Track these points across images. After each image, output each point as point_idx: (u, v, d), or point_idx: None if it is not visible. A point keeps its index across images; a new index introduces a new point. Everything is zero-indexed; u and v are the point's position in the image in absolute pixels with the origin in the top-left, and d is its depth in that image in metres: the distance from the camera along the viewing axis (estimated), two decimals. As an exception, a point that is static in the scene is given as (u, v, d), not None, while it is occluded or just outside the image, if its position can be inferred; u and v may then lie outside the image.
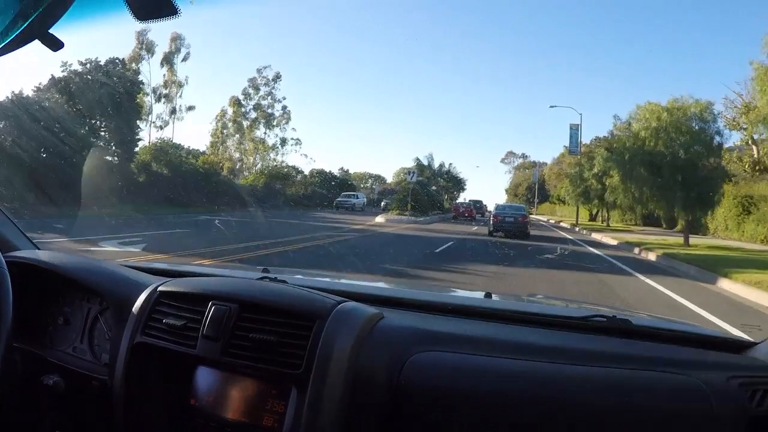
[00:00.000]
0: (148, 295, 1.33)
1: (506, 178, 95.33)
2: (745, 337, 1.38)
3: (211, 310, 1.21)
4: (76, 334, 1.47)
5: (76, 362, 1.40)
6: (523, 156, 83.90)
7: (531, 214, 33.56)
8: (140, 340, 1.27)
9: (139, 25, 0.99)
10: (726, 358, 1.24)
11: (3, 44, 0.88)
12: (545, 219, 43.49)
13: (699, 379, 1.08)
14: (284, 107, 42.01)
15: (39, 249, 1.72)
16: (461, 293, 2.31)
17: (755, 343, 1.30)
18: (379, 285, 2.21)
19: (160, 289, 1.33)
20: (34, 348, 1.45)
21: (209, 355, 1.19)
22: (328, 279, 2.06)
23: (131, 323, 1.30)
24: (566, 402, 1.05)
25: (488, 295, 1.72)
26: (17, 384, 1.35)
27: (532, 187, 63.99)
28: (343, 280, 2.56)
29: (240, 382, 1.20)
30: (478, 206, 38.93)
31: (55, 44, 0.93)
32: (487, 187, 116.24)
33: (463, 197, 54.04)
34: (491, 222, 19.69)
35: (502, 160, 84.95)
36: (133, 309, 1.32)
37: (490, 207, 28.51)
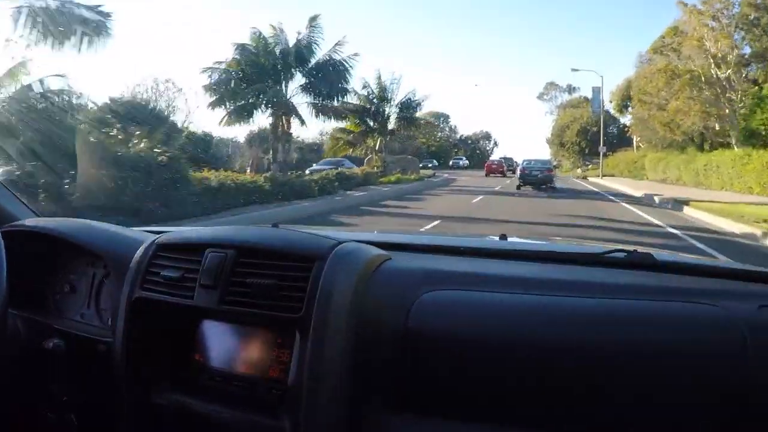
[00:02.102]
0: (145, 249, 1.28)
1: (546, 122, 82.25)
2: None
3: (207, 257, 1.16)
4: (83, 301, 1.46)
5: (83, 328, 1.38)
6: (571, 89, 67.35)
7: (587, 175, 36.85)
8: (138, 295, 1.23)
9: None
10: (756, 288, 1.14)
11: None
12: (639, 193, 19.79)
13: (728, 309, 1.00)
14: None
15: (39, 216, 1.68)
16: (475, 237, 2.28)
17: None
18: (389, 234, 2.13)
19: (157, 241, 1.28)
20: (39, 316, 1.42)
21: (207, 305, 1.14)
22: (338, 231, 1.95)
23: (129, 279, 1.26)
24: (588, 334, 0.99)
25: (503, 237, 1.65)
26: (22, 353, 1.33)
27: (588, 128, 48.21)
28: (354, 230, 2.54)
29: (244, 333, 1.18)
30: (509, 163, 40.71)
31: None
32: (521, 135, 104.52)
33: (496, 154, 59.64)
34: (519, 175, 22.01)
35: (541, 96, 69.02)
36: (131, 264, 1.27)
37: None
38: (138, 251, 1.29)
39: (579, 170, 48.24)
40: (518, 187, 21.06)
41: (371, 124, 28.66)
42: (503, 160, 41.64)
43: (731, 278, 1.18)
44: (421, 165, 38.79)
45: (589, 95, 60.50)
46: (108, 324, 1.37)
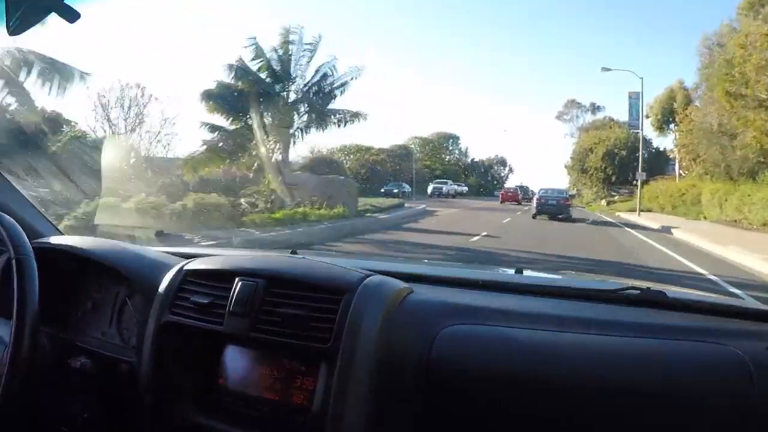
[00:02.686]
0: (175, 274, 1.33)
1: (565, 145, 74.15)
2: None
3: (237, 285, 1.21)
4: (105, 319, 1.47)
5: (105, 346, 1.40)
6: (594, 108, 58.61)
7: (616, 209, 30.03)
8: (167, 320, 1.27)
9: None
10: (765, 328, 1.17)
11: (17, 18, 0.88)
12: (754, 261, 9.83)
13: (738, 349, 1.03)
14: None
15: (63, 234, 1.74)
16: (492, 270, 2.32)
17: None
18: (407, 264, 2.26)
19: (186, 267, 1.33)
20: (62, 333, 1.44)
21: (237, 331, 1.18)
22: (357, 260, 1.88)
23: (158, 303, 1.30)
24: (603, 372, 1.03)
25: (519, 271, 1.71)
26: (46, 369, 1.34)
27: (616, 151, 39.32)
28: (373, 259, 2.54)
29: (268, 359, 1.21)
30: (524, 192, 40.49)
31: (72, 15, 0.93)
32: (538, 161, 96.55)
33: (512, 182, 55.90)
34: (535, 204, 21.78)
35: (560, 116, 60.33)
36: (160, 288, 1.32)
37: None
38: (167, 276, 1.33)
39: (603, 202, 40.10)
40: (534, 216, 20.84)
41: (259, 116, 15.61)
42: (518, 189, 41.53)
43: (741, 318, 1.20)
44: (383, 190, 29.86)
45: (617, 115, 52.12)
46: (129, 343, 1.38)
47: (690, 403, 0.98)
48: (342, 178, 17.46)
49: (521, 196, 39.13)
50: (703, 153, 25.35)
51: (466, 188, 50.64)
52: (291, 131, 15.86)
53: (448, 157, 77.41)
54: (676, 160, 32.27)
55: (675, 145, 32.67)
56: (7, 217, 1.28)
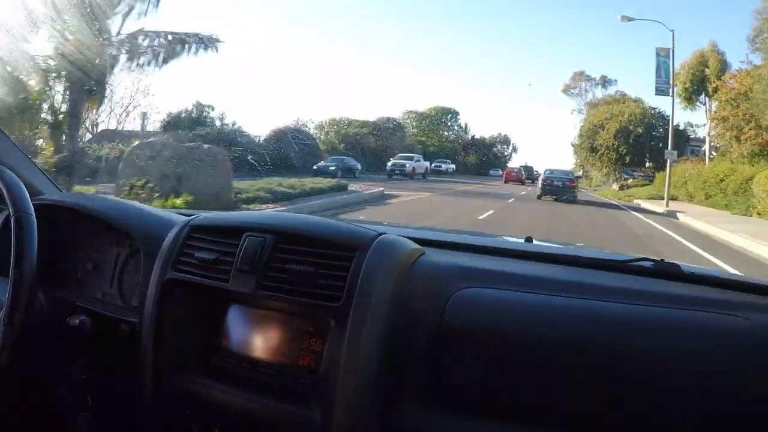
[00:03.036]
0: (180, 229, 1.27)
1: (572, 122, 69.38)
2: None
3: (245, 241, 1.15)
4: (106, 280, 1.45)
5: (105, 307, 1.37)
6: (605, 81, 52.45)
7: (634, 196, 25.70)
8: (171, 276, 1.21)
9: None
10: None
11: None
12: None
13: (752, 320, 1.02)
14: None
15: (63, 191, 1.73)
16: (501, 238, 2.22)
17: None
18: (419, 230, 2.04)
19: (192, 222, 1.27)
20: (61, 293, 1.42)
21: (243, 289, 1.13)
22: (372, 224, 1.78)
23: (161, 259, 1.24)
24: (617, 339, 1.02)
25: (529, 240, 1.70)
26: (44, 329, 1.31)
27: (631, 128, 33.84)
28: (387, 225, 2.18)
29: (274, 320, 1.16)
30: (528, 171, 39.42)
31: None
32: (544, 141, 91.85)
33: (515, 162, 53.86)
34: (540, 185, 20.83)
35: (567, 89, 54.41)
36: (164, 244, 1.26)
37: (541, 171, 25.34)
38: (172, 231, 1.28)
39: (615, 185, 35.44)
40: (539, 197, 20.18)
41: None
42: (522, 169, 39.74)
43: (756, 293, 1.19)
44: (315, 167, 22.16)
45: (630, 91, 46.50)
46: (130, 304, 1.37)
47: (702, 371, 0.97)
48: (206, 147, 10.56)
49: (525, 176, 37.39)
50: (749, 130, 19.87)
51: (453, 166, 43.36)
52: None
53: (446, 133, 72.51)
54: (706, 140, 26.80)
55: (711, 118, 27.06)
56: (9, 172, 1.25)
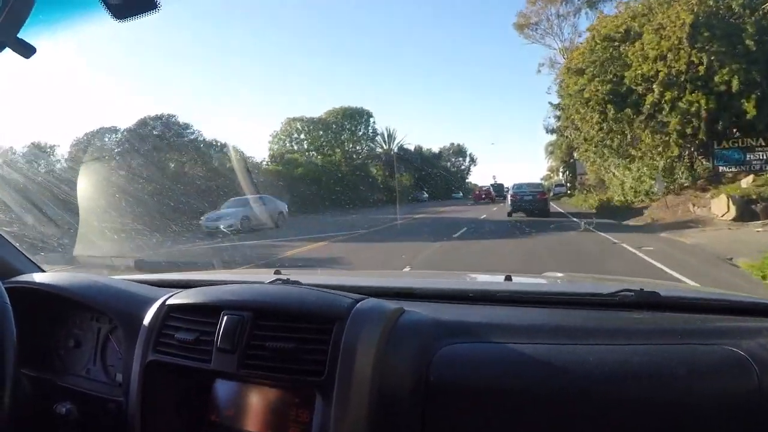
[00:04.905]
0: (157, 310, 1.27)
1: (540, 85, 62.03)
2: None
3: (223, 320, 1.15)
4: (89, 356, 1.44)
5: (90, 385, 1.37)
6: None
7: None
8: (153, 359, 1.21)
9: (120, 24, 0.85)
10: (765, 324, 1.14)
11: None
12: None
13: (740, 349, 1.01)
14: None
15: (43, 271, 1.67)
16: (481, 278, 2.26)
17: None
18: (396, 278, 2.19)
19: (168, 302, 1.27)
20: (45, 374, 1.42)
21: (226, 369, 1.14)
22: (343, 276, 2.01)
23: (141, 341, 1.24)
24: (603, 385, 1.00)
25: (508, 278, 1.67)
26: (29, 414, 1.32)
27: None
28: (358, 275, 2.51)
29: (261, 393, 1.15)
30: (498, 189, 38.15)
31: (27, 50, 0.91)
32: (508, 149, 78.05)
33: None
34: (509, 201, 19.42)
35: (524, 25, 33.27)
36: (143, 325, 1.26)
37: None
38: (149, 312, 1.27)
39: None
40: (509, 214, 18.62)
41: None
42: (490, 187, 38.71)
43: (738, 314, 1.19)
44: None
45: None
46: (115, 380, 1.35)
47: (695, 409, 0.96)
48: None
49: (495, 194, 35.47)
50: None
51: (285, 207, 19.49)
52: None
53: (352, 145, 51.19)
54: None
55: None
56: None
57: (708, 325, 1.13)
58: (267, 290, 1.29)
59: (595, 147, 17.64)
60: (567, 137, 26.00)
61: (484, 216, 19.75)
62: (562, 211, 20.44)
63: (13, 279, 1.49)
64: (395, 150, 53.78)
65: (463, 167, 65.58)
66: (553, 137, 38.81)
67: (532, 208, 18.35)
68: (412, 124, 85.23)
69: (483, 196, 35.59)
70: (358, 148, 51.07)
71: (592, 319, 1.21)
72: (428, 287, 1.54)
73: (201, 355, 1.15)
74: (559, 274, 2.52)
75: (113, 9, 0.84)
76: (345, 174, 42.22)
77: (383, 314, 1.13)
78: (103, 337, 1.42)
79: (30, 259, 1.66)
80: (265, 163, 39.29)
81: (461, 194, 52.64)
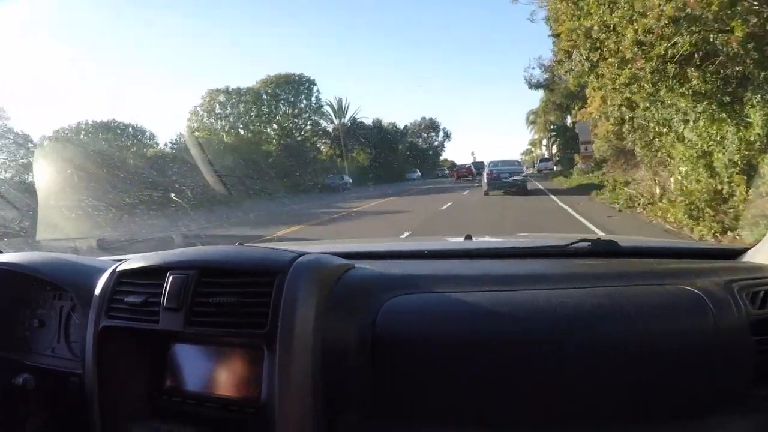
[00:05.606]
0: (108, 277, 1.28)
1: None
2: (737, 244, 1.36)
3: (169, 280, 1.16)
4: (53, 335, 1.44)
5: (55, 362, 1.37)
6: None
7: None
8: (105, 324, 1.22)
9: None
10: (720, 265, 1.18)
11: None
12: None
13: (695, 288, 1.03)
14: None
15: (2, 252, 1.69)
16: (439, 240, 2.26)
17: (747, 249, 1.29)
18: (353, 243, 2.14)
19: (119, 269, 1.28)
20: (11, 354, 1.42)
21: (172, 328, 1.13)
22: (300, 245, 1.91)
23: (94, 308, 1.26)
24: (557, 326, 1.00)
25: (468, 237, 1.68)
26: None
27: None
28: (317, 243, 2.46)
29: (213, 354, 1.16)
30: (479, 167, 36.13)
31: None
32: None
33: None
34: (485, 180, 18.84)
35: None
36: (95, 293, 1.28)
37: None
38: (101, 279, 1.29)
39: None
40: (486, 193, 17.90)
41: None
42: (471, 165, 38.90)
43: (695, 257, 1.23)
44: None
45: None
46: (78, 355, 1.33)
47: (652, 345, 0.96)
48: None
49: (476, 172, 33.85)
50: None
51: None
52: None
53: (292, 119, 42.74)
54: None
55: None
56: None
57: (663, 267, 1.16)
58: (213, 250, 1.27)
59: (651, 77, 8.06)
60: (564, 83, 17.87)
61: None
62: (572, 212, 10.62)
63: None
64: (347, 123, 44.79)
65: (436, 143, 59.68)
66: (538, 97, 30.43)
67: (510, 185, 17.56)
68: (378, 99, 76.03)
69: (464, 174, 36.48)
70: (299, 122, 41.94)
71: (547, 267, 1.22)
72: (383, 249, 1.62)
73: (149, 316, 1.15)
74: (523, 234, 2.47)
75: None
76: (277, 154, 33.19)
77: (327, 267, 1.13)
78: (65, 315, 1.41)
79: None
80: (168, 145, 30.94)
81: (446, 171, 48.91)
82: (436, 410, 1.03)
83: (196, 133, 33.22)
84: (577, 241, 1.28)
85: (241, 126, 38.67)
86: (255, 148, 32.16)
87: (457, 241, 1.71)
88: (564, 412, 0.98)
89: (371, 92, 74.52)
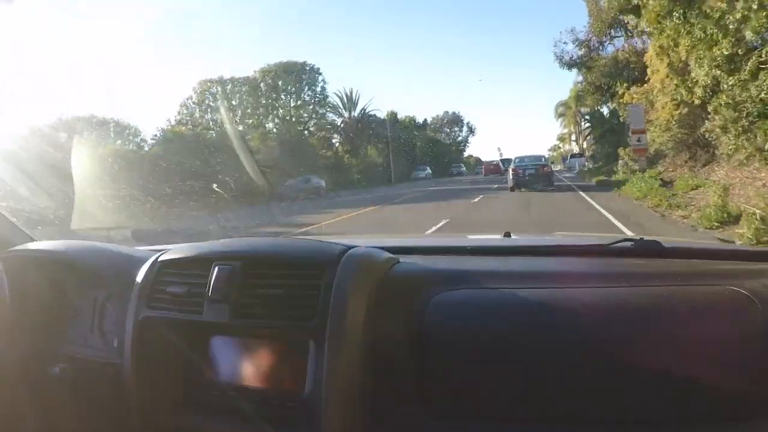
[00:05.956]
0: (150, 267, 1.26)
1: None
2: None
3: (214, 271, 1.14)
4: (87, 325, 1.40)
5: (89, 352, 1.34)
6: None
7: None
8: (146, 314, 1.21)
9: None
10: (762, 267, 1.15)
11: None
12: None
13: (744, 289, 1.01)
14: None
15: (36, 240, 1.65)
16: (480, 236, 2.26)
17: None
18: (400, 238, 2.13)
19: (160, 259, 1.26)
20: (44, 343, 1.41)
21: (218, 319, 1.12)
22: (345, 237, 1.81)
23: (134, 298, 1.24)
24: (605, 324, 0.99)
25: (507, 235, 1.65)
26: (29, 381, 1.33)
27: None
28: (361, 237, 2.26)
29: (255, 346, 1.15)
30: (506, 164, 34.66)
31: None
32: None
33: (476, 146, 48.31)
34: (511, 176, 18.12)
35: None
36: (135, 283, 1.26)
37: None
38: (142, 269, 1.27)
39: None
40: (512, 189, 17.33)
41: None
42: (499, 161, 40.85)
43: (737, 259, 1.19)
44: None
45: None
46: (114, 346, 1.30)
47: (700, 346, 0.95)
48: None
49: (503, 168, 33.91)
50: None
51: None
52: None
53: (295, 110, 39.13)
54: None
55: None
56: None
57: (710, 268, 1.12)
58: (259, 241, 1.29)
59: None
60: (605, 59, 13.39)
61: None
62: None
63: (10, 249, 1.48)
64: (356, 117, 40.84)
65: (459, 138, 57.13)
66: (568, 83, 25.83)
67: (536, 181, 17.08)
68: (402, 93, 71.98)
69: (493, 170, 37.82)
70: (303, 114, 38.18)
71: (592, 265, 1.20)
72: (426, 244, 1.59)
73: (193, 307, 1.14)
74: (562, 233, 2.35)
75: None
76: (272, 151, 29.50)
77: (376, 261, 1.13)
78: (100, 305, 1.38)
79: (25, 232, 1.65)
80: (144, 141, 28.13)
81: (463, 168, 48.39)
82: (484, 407, 1.01)
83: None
84: (620, 240, 1.27)
85: (237, 119, 35.08)
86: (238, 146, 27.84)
87: (497, 238, 1.67)
88: (611, 412, 0.97)
89: (392, 86, 70.57)
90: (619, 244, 1.24)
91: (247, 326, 1.10)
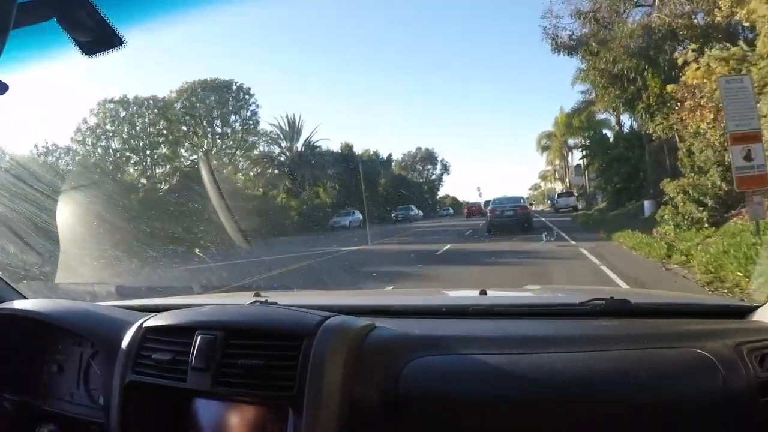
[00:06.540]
0: (135, 333, 1.30)
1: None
2: (746, 302, 1.36)
3: (197, 340, 1.18)
4: (72, 381, 1.45)
5: (74, 409, 1.39)
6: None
7: None
8: (131, 379, 1.24)
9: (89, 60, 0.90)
10: (729, 325, 1.20)
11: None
12: None
13: (705, 351, 1.05)
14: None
15: (26, 298, 1.69)
16: (455, 293, 2.35)
17: (757, 307, 1.29)
18: (370, 296, 2.23)
19: (145, 325, 1.30)
20: (29, 399, 1.46)
21: (200, 387, 1.16)
22: (321, 296, 2.04)
23: (120, 363, 1.27)
24: (573, 389, 1.02)
25: (483, 292, 1.68)
26: None
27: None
28: (335, 295, 2.51)
29: (237, 410, 1.17)
30: (488, 204, 32.33)
31: (1, 88, 0.93)
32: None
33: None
34: (489, 216, 18.41)
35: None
36: (121, 347, 1.29)
37: None
38: (127, 335, 1.29)
39: None
40: (489, 231, 17.22)
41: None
42: (482, 203, 37.89)
43: (703, 317, 1.23)
44: None
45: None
46: (98, 403, 1.35)
47: (664, 408, 0.97)
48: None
49: (485, 208, 31.61)
50: None
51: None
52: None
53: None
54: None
55: None
56: None
57: (674, 329, 1.15)
58: (239, 310, 1.31)
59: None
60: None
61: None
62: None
63: None
64: (298, 148, 33.51)
65: (433, 177, 52.80)
66: (550, 119, 20.74)
67: (514, 222, 16.78)
68: (370, 132, 65.70)
69: (476, 212, 37.17)
70: (230, 143, 30.70)
71: (562, 328, 1.24)
72: (402, 304, 1.59)
73: (177, 374, 1.16)
74: (536, 287, 2.46)
75: (83, 45, 0.86)
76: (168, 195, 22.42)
77: (351, 330, 1.15)
78: (85, 362, 1.41)
79: (13, 287, 1.66)
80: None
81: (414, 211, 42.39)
82: None
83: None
84: (592, 300, 1.29)
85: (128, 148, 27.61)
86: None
87: (473, 296, 1.69)
88: None
89: (361, 124, 64.23)
90: (590, 303, 1.27)
91: (230, 394, 1.12)
